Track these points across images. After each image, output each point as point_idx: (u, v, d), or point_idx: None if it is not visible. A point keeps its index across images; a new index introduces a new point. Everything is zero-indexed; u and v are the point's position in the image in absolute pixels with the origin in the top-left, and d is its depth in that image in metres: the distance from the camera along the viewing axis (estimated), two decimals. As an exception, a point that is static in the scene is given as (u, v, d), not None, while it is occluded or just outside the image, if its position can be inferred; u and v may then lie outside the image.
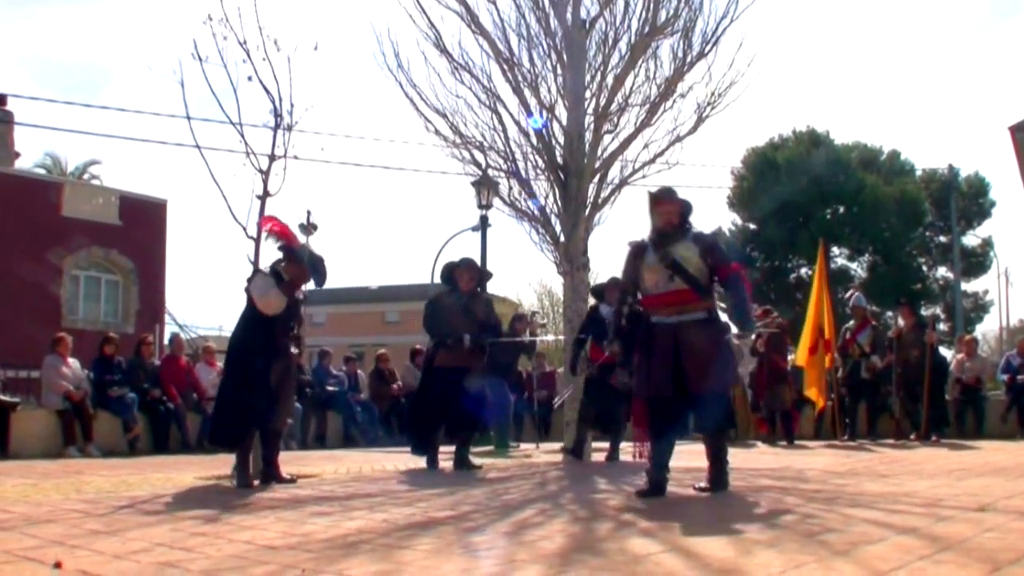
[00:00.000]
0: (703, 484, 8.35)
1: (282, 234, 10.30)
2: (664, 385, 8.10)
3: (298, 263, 10.16)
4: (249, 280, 10.16)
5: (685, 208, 8.51)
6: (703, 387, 8.11)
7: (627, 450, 13.90)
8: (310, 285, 10.60)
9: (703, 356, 8.12)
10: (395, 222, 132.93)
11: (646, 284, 8.39)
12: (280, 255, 10.22)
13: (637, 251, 8.51)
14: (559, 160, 13.55)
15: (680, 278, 8.16)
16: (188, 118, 11.52)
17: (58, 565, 4.79)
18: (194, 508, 7.64)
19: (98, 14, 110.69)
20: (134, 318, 37.04)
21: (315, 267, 10.27)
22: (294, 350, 10.45)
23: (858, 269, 53.33)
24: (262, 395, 9.78)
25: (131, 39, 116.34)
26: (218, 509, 7.53)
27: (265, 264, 10.47)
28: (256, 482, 9.83)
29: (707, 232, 8.72)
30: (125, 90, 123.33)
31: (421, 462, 12.25)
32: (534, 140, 13.65)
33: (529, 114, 13.69)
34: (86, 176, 51.45)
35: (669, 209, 8.40)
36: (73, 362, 17.42)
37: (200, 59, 10.87)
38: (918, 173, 54.46)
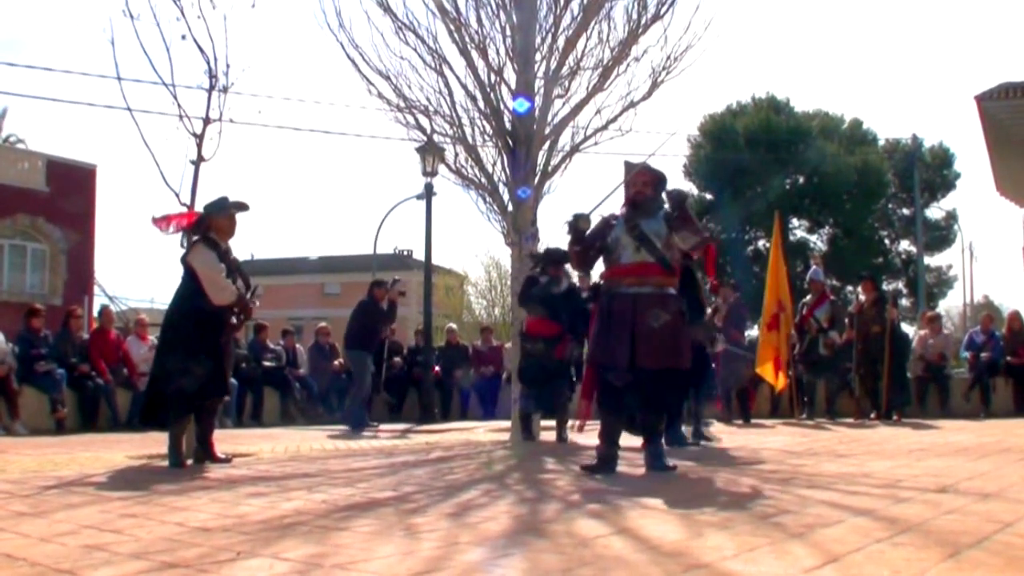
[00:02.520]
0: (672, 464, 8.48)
1: (188, 219, 10.23)
2: (620, 355, 8.25)
3: (221, 216, 10.08)
4: (187, 252, 10.09)
5: (660, 180, 8.77)
6: (651, 361, 8.25)
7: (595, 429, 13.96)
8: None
9: (656, 331, 8.24)
10: (336, 190, 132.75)
11: (612, 255, 8.59)
12: (196, 235, 10.14)
13: (607, 223, 8.69)
14: (507, 126, 13.52)
15: (646, 250, 8.38)
16: (119, 79, 11.43)
17: (-20, 548, 4.77)
18: (124, 489, 7.62)
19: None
20: (62, 289, 36.92)
21: (227, 205, 10.17)
22: (234, 321, 10.40)
23: (818, 242, 53.53)
24: (206, 371, 9.76)
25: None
26: (149, 490, 7.51)
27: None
28: (189, 462, 9.80)
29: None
30: (51, 49, 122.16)
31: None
32: (481, 104, 13.61)
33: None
34: (3, 132, 50.96)
35: (644, 180, 8.66)
36: (-3, 335, 17.27)
37: (131, 16, 10.79)
38: (881, 143, 54.61)
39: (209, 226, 10.03)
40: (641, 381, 8.31)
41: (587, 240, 8.78)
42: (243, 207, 10.23)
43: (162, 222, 10.25)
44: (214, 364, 9.82)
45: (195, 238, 10.09)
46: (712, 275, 8.98)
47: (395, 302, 18.30)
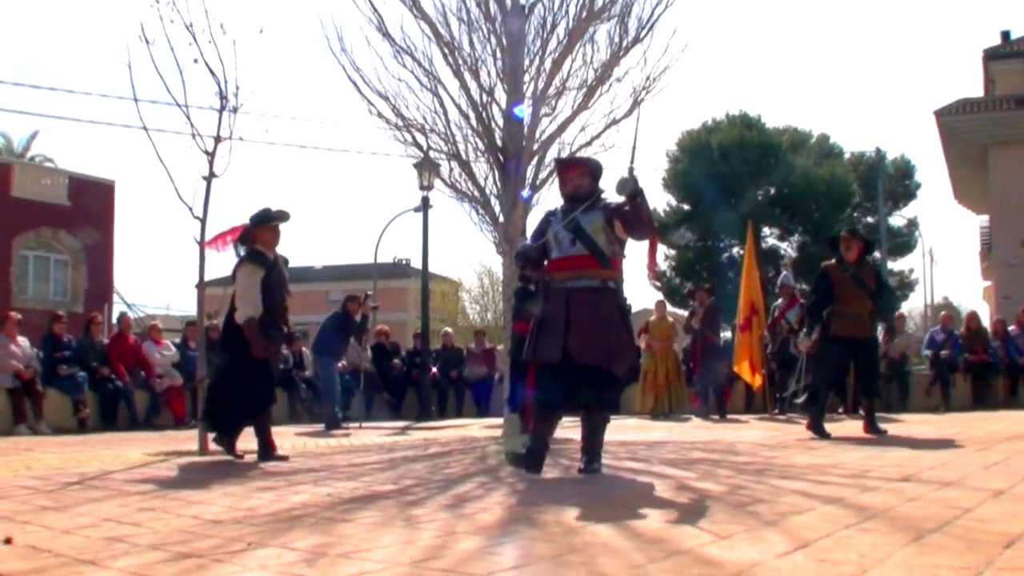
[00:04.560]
0: (580, 466, 7.88)
1: (238, 232, 10.28)
2: (552, 351, 7.66)
3: (265, 227, 10.15)
4: (236, 267, 10.16)
5: (595, 169, 8.22)
6: (586, 358, 7.59)
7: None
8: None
9: (590, 325, 7.61)
10: (339, 203, 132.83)
11: (551, 250, 7.98)
12: (244, 246, 10.19)
13: (547, 218, 8.22)
14: (498, 142, 13.55)
15: (581, 243, 7.75)
16: (135, 100, 11.43)
17: (8, 541, 4.74)
18: (142, 484, 7.60)
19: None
20: (83, 297, 36.99)
21: (271, 216, 10.19)
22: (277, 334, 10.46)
23: (788, 249, 53.60)
24: (266, 379, 10.02)
25: (80, 21, 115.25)
26: (165, 485, 7.50)
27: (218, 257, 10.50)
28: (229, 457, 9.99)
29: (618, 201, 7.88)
30: (72, 72, 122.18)
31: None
32: (474, 122, 13.64)
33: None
34: (34, 155, 51.13)
35: (579, 172, 8.12)
36: (23, 341, 17.26)
37: (147, 41, 10.81)
38: (846, 156, 54.73)
39: (254, 238, 10.08)
40: (575, 378, 7.67)
41: (534, 242, 8.27)
42: (284, 217, 10.25)
43: (214, 243, 10.34)
44: (262, 372, 9.95)
45: (243, 253, 10.14)
46: (652, 267, 8.18)
47: (367, 315, 18.41)
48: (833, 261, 12.53)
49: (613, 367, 7.76)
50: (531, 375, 8.40)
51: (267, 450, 10.00)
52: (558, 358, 7.62)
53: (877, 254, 49.97)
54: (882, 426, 12.32)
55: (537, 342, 7.87)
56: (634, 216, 7.59)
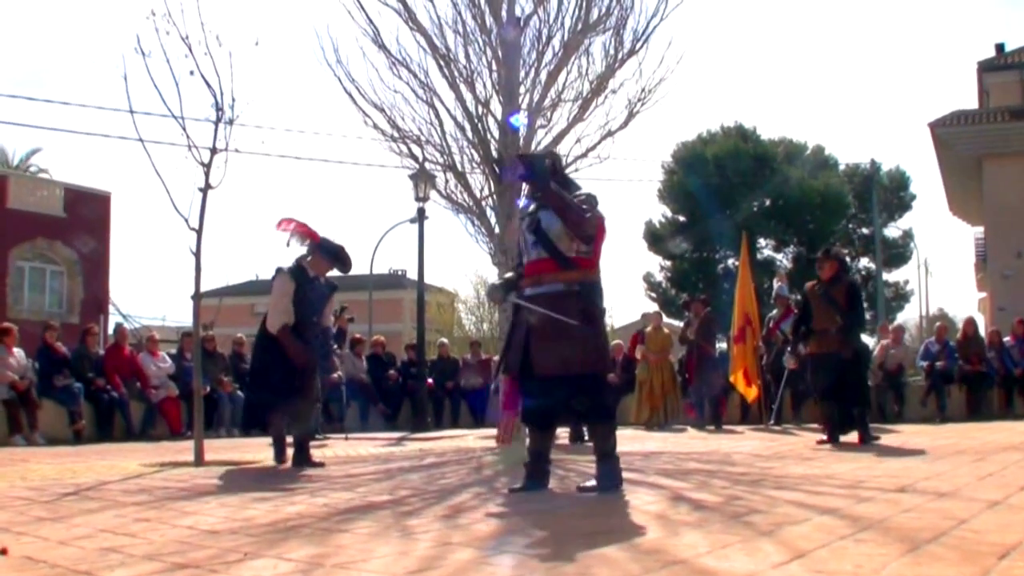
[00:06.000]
0: (588, 483, 7.23)
1: (307, 233, 10.39)
2: (512, 362, 7.27)
3: (326, 257, 10.46)
4: (274, 276, 10.40)
5: (555, 162, 7.65)
6: (548, 368, 6.97)
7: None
8: (335, 273, 10.83)
9: (551, 333, 6.92)
10: (335, 214, 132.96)
11: (523, 255, 7.45)
12: (304, 251, 10.44)
13: (521, 219, 7.80)
14: (494, 154, 13.57)
15: (541, 245, 7.15)
16: (131, 112, 11.45)
17: (3, 551, 4.73)
18: (138, 495, 7.58)
19: (44, 8, 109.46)
20: (79, 308, 37.00)
21: (338, 257, 10.55)
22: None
23: (783, 260, 53.60)
24: (267, 388, 10.22)
25: (76, 33, 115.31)
26: (161, 495, 7.48)
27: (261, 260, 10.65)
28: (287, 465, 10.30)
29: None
30: (70, 83, 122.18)
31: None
32: (469, 134, 13.66)
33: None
34: (30, 165, 51.31)
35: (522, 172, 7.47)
36: (18, 352, 17.25)
37: (143, 53, 10.80)
38: (842, 167, 54.85)
39: (311, 254, 10.40)
40: (556, 389, 6.98)
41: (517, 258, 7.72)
42: (346, 265, 10.73)
43: (281, 223, 10.43)
44: (265, 381, 10.26)
45: (288, 266, 10.42)
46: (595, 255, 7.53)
47: (344, 328, 18.50)
48: (814, 281, 12.88)
49: (578, 369, 7.02)
50: (508, 388, 8.12)
51: (282, 454, 10.29)
52: (516, 369, 7.26)
53: (873, 265, 50.10)
54: (875, 432, 12.42)
55: (503, 353, 7.71)
56: (554, 208, 7.05)
